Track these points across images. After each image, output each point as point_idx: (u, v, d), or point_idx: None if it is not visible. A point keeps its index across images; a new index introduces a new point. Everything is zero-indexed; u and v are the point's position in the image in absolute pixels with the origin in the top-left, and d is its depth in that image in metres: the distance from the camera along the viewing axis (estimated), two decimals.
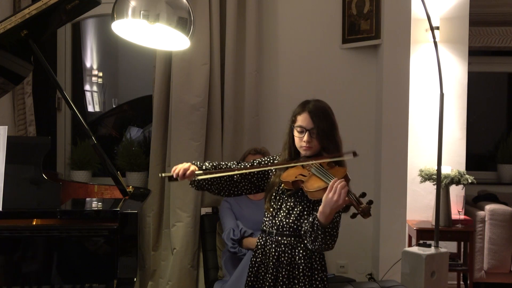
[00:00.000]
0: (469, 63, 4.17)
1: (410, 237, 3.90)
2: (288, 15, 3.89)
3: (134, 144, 4.20)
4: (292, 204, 2.15)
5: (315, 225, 1.96)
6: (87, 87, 5.26)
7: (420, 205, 4.06)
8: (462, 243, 3.95)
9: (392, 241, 3.69)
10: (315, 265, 2.14)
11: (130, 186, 2.72)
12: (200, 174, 2.13)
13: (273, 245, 2.17)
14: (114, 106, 5.94)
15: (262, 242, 2.22)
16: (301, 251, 2.13)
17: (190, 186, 2.22)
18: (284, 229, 2.15)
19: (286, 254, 2.14)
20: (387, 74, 3.68)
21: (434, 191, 3.59)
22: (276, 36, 3.89)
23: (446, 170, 3.73)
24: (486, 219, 3.99)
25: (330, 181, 1.92)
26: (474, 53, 4.64)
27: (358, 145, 3.72)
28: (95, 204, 2.56)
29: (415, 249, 3.29)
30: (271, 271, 2.16)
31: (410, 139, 3.80)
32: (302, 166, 2.11)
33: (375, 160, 3.85)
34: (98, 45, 5.48)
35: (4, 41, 2.37)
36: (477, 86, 4.84)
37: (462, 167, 4.03)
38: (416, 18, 3.90)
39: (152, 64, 3.77)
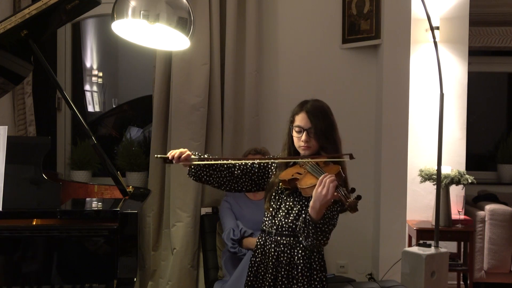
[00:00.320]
0: (469, 63, 4.17)
1: (410, 237, 3.90)
2: (288, 15, 3.89)
3: (134, 144, 4.20)
4: (291, 203, 2.15)
5: (307, 221, 1.97)
6: (87, 87, 5.26)
7: (420, 205, 4.06)
8: (462, 243, 3.95)
9: (392, 241, 3.69)
10: (314, 265, 2.14)
11: (130, 186, 2.72)
12: (195, 160, 2.15)
13: (273, 245, 2.17)
14: (114, 106, 5.94)
15: (262, 242, 2.22)
16: (300, 251, 2.13)
17: (188, 175, 2.22)
18: (284, 229, 2.15)
19: (285, 254, 2.14)
20: (387, 74, 3.68)
21: (434, 191, 3.59)
22: (276, 36, 3.89)
23: (446, 170, 3.73)
24: (486, 219, 3.99)
25: None
26: (474, 53, 4.64)
27: (358, 145, 3.76)
28: (95, 204, 2.56)
29: (415, 249, 3.29)
30: (270, 271, 2.16)
31: (410, 139, 3.81)
32: (300, 165, 2.12)
33: (375, 160, 3.85)
34: (98, 45, 5.48)
35: (4, 41, 2.37)
36: (477, 86, 4.84)
37: (462, 167, 4.04)
38: (416, 18, 3.90)
39: (152, 64, 3.77)
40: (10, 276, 2.09)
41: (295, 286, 2.12)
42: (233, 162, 2.23)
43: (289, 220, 2.14)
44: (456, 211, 3.88)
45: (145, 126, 4.87)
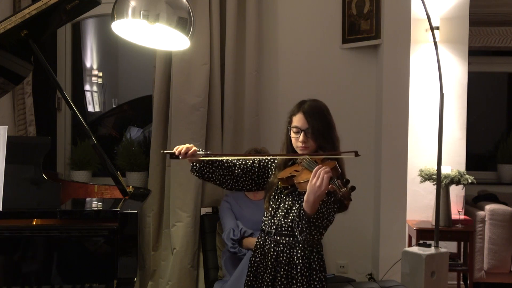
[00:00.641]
0: (469, 63, 4.17)
1: (410, 237, 3.90)
2: (288, 15, 3.89)
3: (134, 144, 4.20)
4: (290, 203, 2.15)
5: (301, 215, 1.96)
6: (87, 87, 5.26)
7: (420, 205, 4.06)
8: (462, 243, 3.95)
9: (392, 241, 3.69)
10: (314, 265, 2.14)
11: (130, 186, 2.72)
12: (201, 155, 2.15)
13: (272, 245, 2.17)
14: (114, 106, 5.94)
15: (261, 242, 2.22)
16: (299, 251, 2.13)
17: (191, 172, 2.22)
18: (283, 228, 2.15)
19: (285, 254, 2.14)
20: (387, 74, 3.68)
21: (434, 191, 3.59)
22: (276, 36, 3.89)
23: (446, 170, 3.73)
24: (486, 219, 3.99)
25: None
26: (474, 53, 4.64)
27: (358, 145, 3.72)
28: (95, 204, 2.56)
29: (415, 249, 3.29)
30: (269, 270, 2.16)
31: (410, 139, 3.81)
32: (298, 163, 2.13)
33: (375, 160, 3.85)
34: (98, 45, 5.48)
35: (4, 41, 2.37)
36: (477, 86, 4.84)
37: (462, 167, 4.03)
38: (416, 18, 3.90)
39: (152, 64, 3.77)
40: (10, 276, 2.09)
41: (295, 286, 2.12)
42: (238, 158, 2.24)
43: (288, 220, 2.14)
44: (456, 211, 3.88)
45: (145, 126, 4.87)
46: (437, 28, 3.95)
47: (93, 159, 3.93)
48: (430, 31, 3.53)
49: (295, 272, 2.13)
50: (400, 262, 3.36)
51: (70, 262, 2.12)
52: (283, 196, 2.18)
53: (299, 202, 2.12)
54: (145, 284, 3.74)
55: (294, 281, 2.12)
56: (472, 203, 4.30)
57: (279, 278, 2.14)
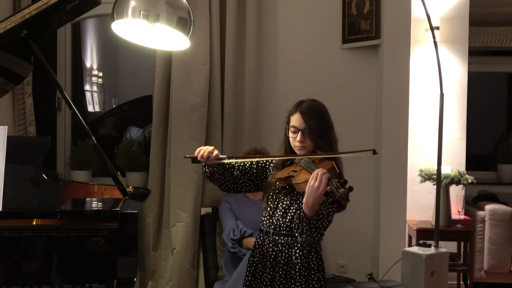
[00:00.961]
0: (469, 63, 4.17)
1: (410, 237, 3.90)
2: (288, 15, 3.89)
3: (134, 144, 4.20)
4: (288, 203, 2.16)
5: (301, 217, 1.97)
6: (87, 87, 5.26)
7: (420, 205, 4.06)
8: (462, 243, 3.95)
9: (392, 241, 3.69)
10: (312, 265, 2.14)
11: (130, 186, 2.72)
12: (224, 158, 2.15)
13: (271, 245, 2.18)
14: (114, 106, 5.94)
15: (260, 242, 2.23)
16: (297, 251, 2.13)
17: (202, 172, 2.21)
18: (281, 228, 2.16)
19: (283, 254, 2.14)
20: (387, 74, 3.68)
21: (434, 191, 3.59)
22: (276, 36, 3.89)
23: (446, 170, 3.73)
24: (486, 219, 3.99)
25: None
26: (474, 53, 4.64)
27: (358, 145, 3.75)
28: (95, 204, 2.56)
29: (415, 249, 3.29)
30: (268, 270, 2.16)
31: (410, 139, 3.81)
32: (295, 163, 2.14)
33: (375, 160, 3.85)
34: (98, 45, 5.49)
35: (4, 41, 2.37)
36: (477, 86, 4.84)
37: (462, 167, 4.04)
38: (416, 18, 3.90)
39: (152, 64, 3.77)
40: (10, 276, 2.09)
41: (293, 286, 2.12)
42: (258, 159, 2.22)
43: (287, 220, 2.14)
44: (456, 211, 3.88)
45: (145, 126, 4.87)
46: (437, 28, 3.95)
47: (93, 159, 3.93)
48: (430, 31, 3.53)
49: (293, 272, 2.13)
50: (400, 262, 3.36)
51: (70, 262, 2.12)
52: (281, 196, 2.18)
53: (297, 202, 2.13)
54: (145, 284, 3.74)
55: (293, 281, 2.12)
56: (472, 203, 4.30)
57: (277, 277, 2.14)
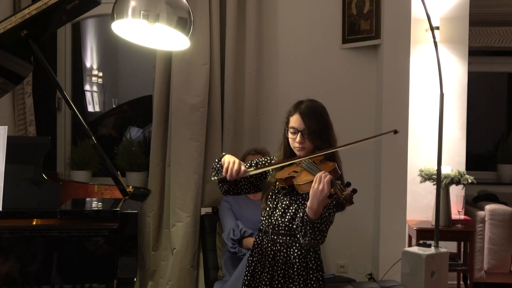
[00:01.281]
0: (469, 63, 4.17)
1: (410, 237, 3.90)
2: (288, 15, 3.89)
3: (134, 144, 4.20)
4: (287, 202, 2.16)
5: (305, 220, 1.97)
6: (87, 87, 5.26)
7: (420, 205, 4.06)
8: (462, 243, 3.95)
9: (392, 241, 3.69)
10: (310, 265, 2.15)
11: (130, 186, 2.72)
12: (251, 171, 2.13)
13: (269, 244, 2.18)
14: (114, 106, 5.94)
15: (259, 241, 2.23)
16: (296, 250, 2.13)
17: (219, 187, 2.22)
18: (280, 228, 2.16)
19: (282, 253, 2.14)
20: (387, 74, 3.68)
21: (434, 191, 3.59)
22: (276, 36, 3.89)
23: (446, 170, 3.73)
24: (486, 219, 3.99)
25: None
26: (474, 53, 4.63)
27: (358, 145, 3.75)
28: (95, 204, 2.56)
29: (415, 249, 3.29)
30: (267, 270, 2.17)
31: (410, 139, 3.81)
32: (296, 163, 2.13)
33: (375, 160, 3.85)
34: (98, 45, 5.49)
35: (4, 41, 2.37)
36: (477, 86, 4.84)
37: (462, 167, 4.03)
38: (416, 18, 3.90)
39: (152, 64, 3.77)
40: (10, 276, 2.09)
41: (292, 285, 2.12)
42: (278, 166, 2.17)
43: (286, 220, 2.14)
44: (456, 211, 3.88)
45: (145, 126, 4.87)
46: (437, 28, 3.95)
47: (93, 159, 3.93)
48: (430, 31, 3.53)
49: (292, 271, 2.13)
50: (400, 262, 3.36)
51: (70, 262, 2.12)
52: (281, 196, 2.18)
53: (297, 202, 2.13)
54: (145, 284, 3.74)
55: (291, 280, 2.13)
56: (472, 203, 4.30)
57: (276, 277, 2.14)
